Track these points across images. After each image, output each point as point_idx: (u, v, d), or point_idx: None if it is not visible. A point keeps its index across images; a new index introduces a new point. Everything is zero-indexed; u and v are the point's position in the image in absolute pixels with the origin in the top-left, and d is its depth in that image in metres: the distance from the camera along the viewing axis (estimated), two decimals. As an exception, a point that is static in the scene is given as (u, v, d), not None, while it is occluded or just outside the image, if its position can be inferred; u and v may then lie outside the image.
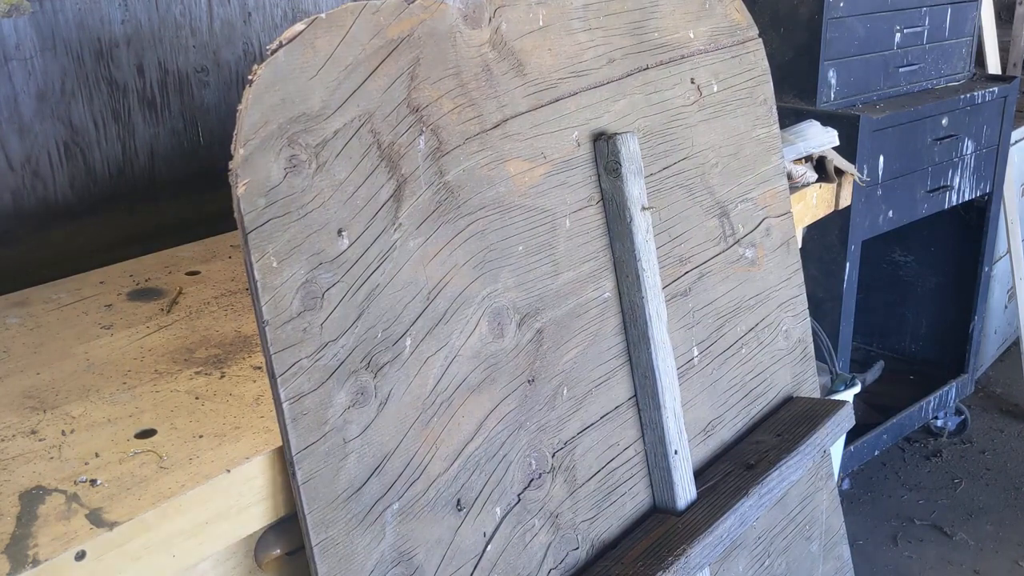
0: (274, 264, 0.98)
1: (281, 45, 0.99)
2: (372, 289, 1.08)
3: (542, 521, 1.28)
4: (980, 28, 3.23)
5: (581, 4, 1.38)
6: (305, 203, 1.01)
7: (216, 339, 1.34)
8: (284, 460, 1.04)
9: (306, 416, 1.01)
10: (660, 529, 1.41)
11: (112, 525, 0.93)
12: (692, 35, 1.59)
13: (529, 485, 1.27)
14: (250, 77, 0.97)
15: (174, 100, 1.82)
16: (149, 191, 1.80)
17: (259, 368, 1.25)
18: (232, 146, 0.96)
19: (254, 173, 0.97)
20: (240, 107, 0.96)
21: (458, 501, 1.17)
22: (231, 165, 0.96)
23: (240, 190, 0.95)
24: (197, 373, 1.24)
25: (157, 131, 1.80)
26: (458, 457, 1.17)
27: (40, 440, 1.09)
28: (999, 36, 3.52)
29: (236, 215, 0.96)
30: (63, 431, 1.10)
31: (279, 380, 0.99)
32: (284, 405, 0.99)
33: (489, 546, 1.21)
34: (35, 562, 0.88)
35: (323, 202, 1.03)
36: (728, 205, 1.66)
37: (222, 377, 1.23)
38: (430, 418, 1.14)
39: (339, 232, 1.05)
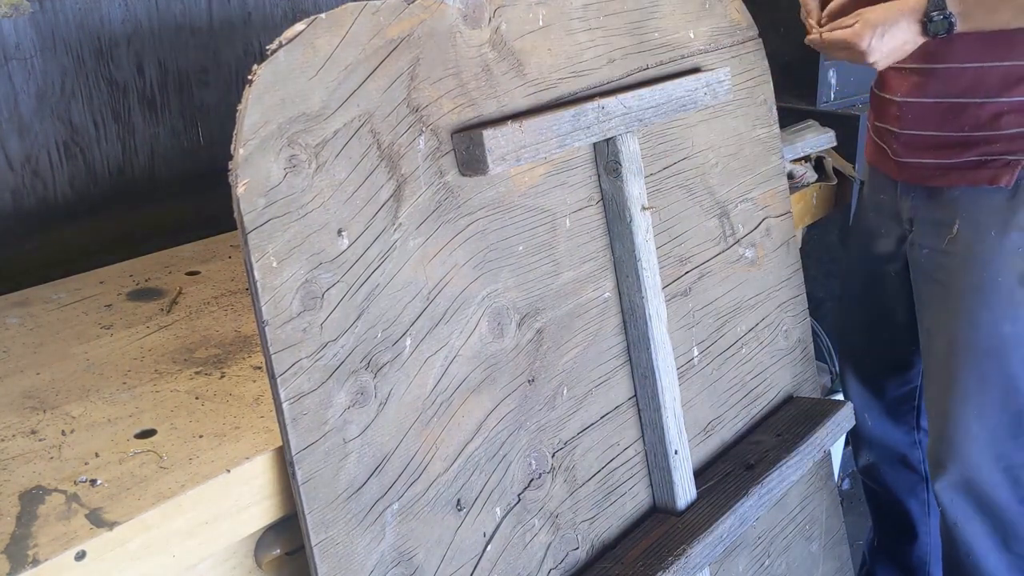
0: (274, 264, 0.98)
1: (281, 45, 0.99)
2: (372, 289, 1.08)
3: (542, 521, 1.28)
4: (981, 28, 3.21)
5: (581, 4, 1.38)
6: (305, 203, 1.01)
7: (216, 339, 1.34)
8: (284, 460, 1.04)
9: (306, 416, 1.01)
10: (660, 529, 1.41)
11: (112, 525, 0.93)
12: (692, 35, 1.59)
13: (529, 485, 1.27)
14: (250, 77, 0.97)
15: (174, 100, 1.81)
16: (149, 191, 1.80)
17: (259, 368, 1.25)
18: (232, 146, 0.96)
19: (254, 173, 0.97)
20: (240, 107, 0.96)
21: (458, 501, 1.17)
22: (231, 165, 0.96)
23: (240, 190, 0.95)
24: (197, 373, 1.24)
25: (157, 131, 1.80)
26: (458, 457, 1.17)
27: (40, 440, 1.09)
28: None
29: (236, 215, 0.96)
30: (63, 431, 1.10)
31: (279, 380, 0.98)
32: (284, 405, 0.99)
33: (489, 546, 1.21)
34: (35, 562, 0.88)
35: (323, 202, 1.03)
36: (728, 205, 1.66)
37: (222, 377, 1.23)
38: (430, 418, 1.14)
39: (339, 232, 1.05)
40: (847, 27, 1.63)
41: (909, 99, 1.75)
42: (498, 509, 1.22)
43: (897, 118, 1.78)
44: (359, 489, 1.06)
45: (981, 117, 1.68)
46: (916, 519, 2.15)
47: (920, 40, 1.60)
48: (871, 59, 1.61)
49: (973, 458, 1.78)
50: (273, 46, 0.99)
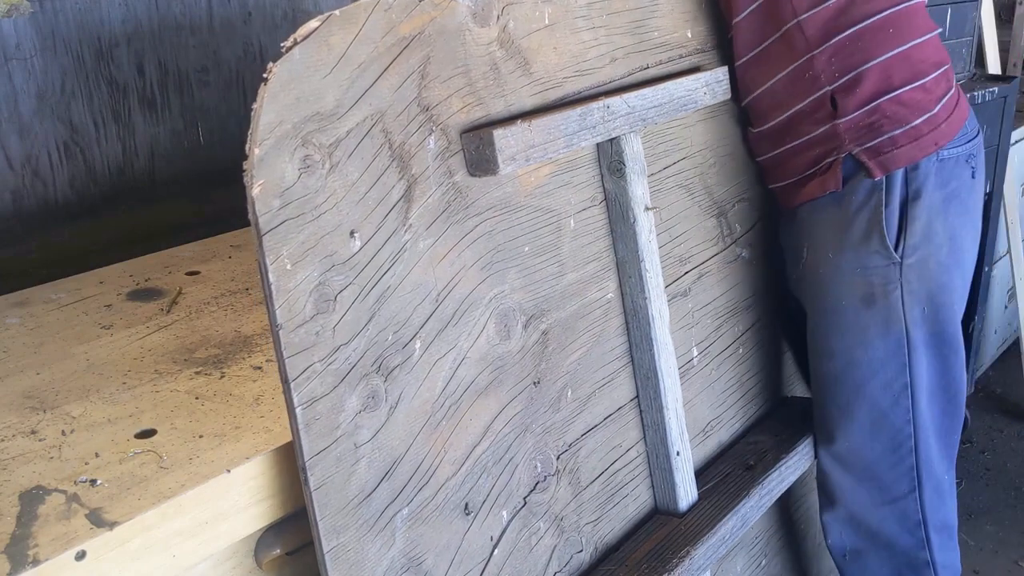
0: (288, 266, 0.97)
1: (296, 42, 0.97)
2: (383, 291, 1.07)
3: (547, 524, 1.28)
4: (980, 28, 3.18)
5: (585, 2, 1.37)
6: (319, 204, 1.00)
7: (216, 339, 1.33)
8: (284, 460, 1.04)
9: (318, 421, 0.99)
10: (663, 531, 1.41)
11: (112, 525, 0.92)
12: (690, 34, 1.59)
13: (535, 488, 1.26)
14: (265, 75, 0.95)
15: (174, 100, 1.80)
16: (149, 191, 1.79)
17: (259, 368, 1.24)
18: (247, 146, 0.93)
19: (269, 173, 0.95)
20: (255, 106, 0.93)
21: (466, 505, 1.16)
22: (245, 165, 0.93)
23: (255, 191, 0.93)
24: (197, 373, 1.23)
25: (157, 131, 1.78)
26: (466, 460, 1.16)
27: (40, 440, 1.08)
28: (999, 36, 3.48)
29: (251, 216, 0.94)
30: (63, 431, 1.10)
31: (292, 385, 0.96)
32: (297, 410, 0.97)
33: (496, 550, 1.20)
34: (35, 562, 0.87)
35: (336, 203, 1.02)
36: (726, 205, 1.66)
37: (222, 377, 1.22)
38: (439, 422, 1.13)
39: (351, 233, 1.03)
40: None
41: (751, 136, 1.68)
42: (505, 512, 1.22)
43: (753, 152, 1.71)
44: (370, 495, 1.05)
45: (792, 129, 1.59)
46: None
47: None
48: None
49: (854, 496, 1.68)
50: (288, 43, 0.97)
